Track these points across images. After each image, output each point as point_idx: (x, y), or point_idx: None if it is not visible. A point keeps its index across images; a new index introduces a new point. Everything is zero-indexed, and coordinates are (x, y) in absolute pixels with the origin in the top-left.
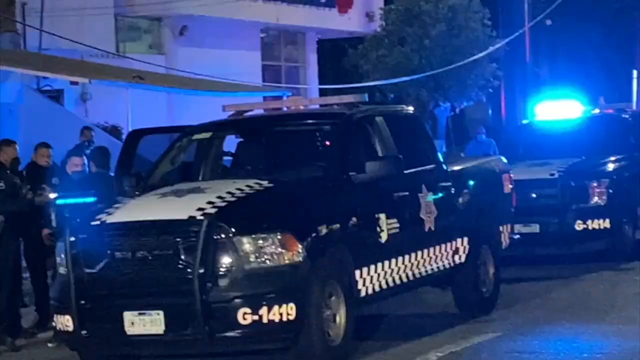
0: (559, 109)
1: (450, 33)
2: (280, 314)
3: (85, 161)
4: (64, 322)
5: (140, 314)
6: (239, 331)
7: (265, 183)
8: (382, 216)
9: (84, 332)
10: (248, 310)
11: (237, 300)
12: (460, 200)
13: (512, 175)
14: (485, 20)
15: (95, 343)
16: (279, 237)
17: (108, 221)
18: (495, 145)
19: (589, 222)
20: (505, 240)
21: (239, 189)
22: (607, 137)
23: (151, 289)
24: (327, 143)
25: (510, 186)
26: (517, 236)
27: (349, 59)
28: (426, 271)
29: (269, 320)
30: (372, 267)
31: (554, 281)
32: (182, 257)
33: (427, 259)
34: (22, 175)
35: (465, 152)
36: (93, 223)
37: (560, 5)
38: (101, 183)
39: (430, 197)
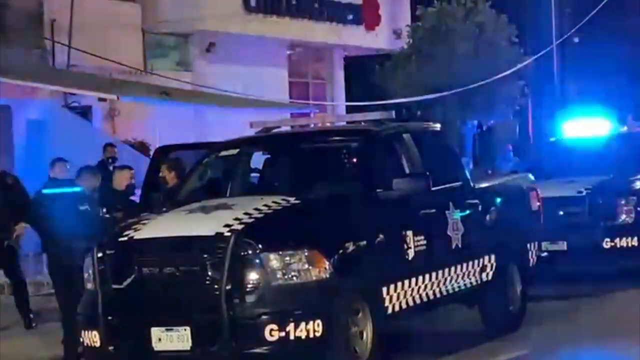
0: (586, 127)
1: (477, 50)
2: (307, 331)
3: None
4: (91, 337)
5: (167, 329)
6: (266, 347)
7: (292, 200)
8: (409, 233)
9: (111, 347)
10: (275, 326)
11: (264, 317)
12: (488, 217)
13: (539, 192)
14: (512, 37)
15: (122, 359)
16: (306, 253)
17: (136, 237)
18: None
19: (617, 240)
20: (532, 258)
21: (266, 206)
22: (636, 155)
23: (178, 305)
24: (354, 160)
25: (538, 204)
26: (545, 254)
27: (375, 76)
28: (453, 288)
29: (295, 336)
30: (399, 284)
31: (582, 299)
32: (209, 273)
33: (454, 276)
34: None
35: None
36: (121, 239)
37: (589, 22)
38: None
39: (458, 214)
